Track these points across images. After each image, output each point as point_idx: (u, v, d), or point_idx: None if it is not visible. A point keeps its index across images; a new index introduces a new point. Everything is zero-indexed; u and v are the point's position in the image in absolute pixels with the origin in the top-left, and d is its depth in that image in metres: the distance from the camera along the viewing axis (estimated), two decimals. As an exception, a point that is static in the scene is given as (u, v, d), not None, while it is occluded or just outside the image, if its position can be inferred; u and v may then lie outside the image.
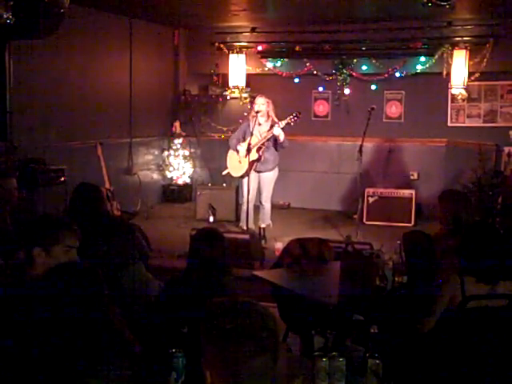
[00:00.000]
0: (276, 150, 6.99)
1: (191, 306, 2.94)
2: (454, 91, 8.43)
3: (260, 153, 6.88)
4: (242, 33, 9.30)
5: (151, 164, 9.54)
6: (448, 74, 8.31)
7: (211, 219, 8.15)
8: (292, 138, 7.46)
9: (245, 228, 6.91)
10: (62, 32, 6.09)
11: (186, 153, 9.67)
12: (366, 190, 8.35)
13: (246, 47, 9.26)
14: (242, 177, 7.06)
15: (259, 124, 6.96)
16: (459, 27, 8.32)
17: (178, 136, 9.59)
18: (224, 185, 8.42)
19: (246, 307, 1.64)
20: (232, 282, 3.31)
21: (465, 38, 8.26)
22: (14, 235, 4.50)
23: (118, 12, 8.16)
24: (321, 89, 9.31)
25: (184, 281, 3.25)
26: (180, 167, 9.64)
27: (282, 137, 6.81)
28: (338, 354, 2.59)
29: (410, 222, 8.14)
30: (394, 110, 9.11)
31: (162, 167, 9.71)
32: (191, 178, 9.77)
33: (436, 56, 8.40)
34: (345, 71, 8.90)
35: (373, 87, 8.91)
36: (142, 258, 3.75)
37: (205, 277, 3.16)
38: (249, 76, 9.34)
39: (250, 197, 7.00)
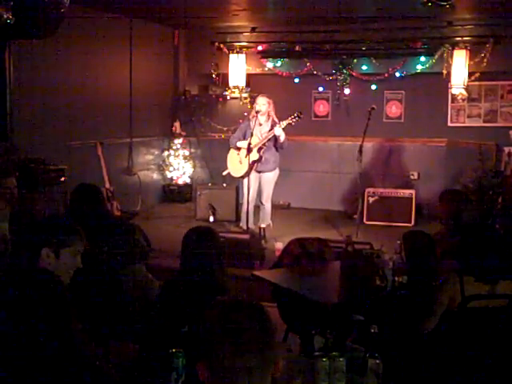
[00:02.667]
0: (276, 150, 6.99)
1: (186, 306, 2.95)
2: (454, 91, 8.43)
3: (261, 153, 6.87)
4: (242, 33, 9.30)
5: (151, 164, 9.54)
6: (448, 74, 8.31)
7: (211, 219, 8.15)
8: (292, 138, 7.47)
9: (245, 228, 6.90)
10: (62, 32, 6.07)
11: (186, 153, 9.67)
12: (366, 189, 8.35)
13: (246, 47, 9.26)
14: (243, 177, 7.05)
15: (260, 124, 6.95)
16: (459, 27, 8.31)
17: (178, 136, 9.59)
18: (224, 185, 8.42)
19: (246, 306, 1.64)
20: (227, 282, 3.30)
21: (465, 38, 8.25)
22: (14, 234, 4.51)
23: (118, 12, 8.15)
24: (321, 89, 9.31)
25: (178, 281, 3.24)
26: (180, 167, 9.64)
27: (282, 137, 6.81)
28: (338, 354, 2.59)
29: (410, 222, 8.14)
30: (394, 109, 9.11)
31: (162, 167, 9.71)
32: (191, 177, 9.77)
33: (436, 56, 8.39)
34: (345, 71, 8.90)
35: (373, 87, 8.91)
36: (142, 257, 3.75)
37: (198, 276, 3.15)
38: (249, 76, 9.34)
39: (250, 197, 7.00)
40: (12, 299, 1.92)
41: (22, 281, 1.99)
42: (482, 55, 8.09)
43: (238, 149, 7.04)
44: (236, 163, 7.08)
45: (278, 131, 6.75)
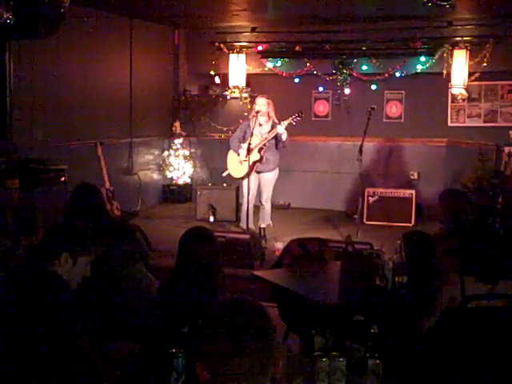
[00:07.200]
0: (276, 148, 6.97)
1: (183, 306, 2.95)
2: (454, 91, 8.43)
3: (262, 153, 6.87)
4: (242, 33, 9.30)
5: (151, 164, 9.54)
6: (448, 74, 8.31)
7: (211, 219, 8.15)
8: (292, 138, 7.46)
9: (245, 228, 6.90)
10: (62, 32, 6.08)
11: (186, 153, 9.67)
12: (366, 189, 8.35)
13: (246, 47, 9.26)
14: (243, 178, 7.04)
15: (260, 124, 6.95)
16: (459, 27, 8.31)
17: (178, 136, 9.59)
18: (224, 185, 8.42)
19: (246, 306, 1.64)
20: (223, 282, 3.29)
21: (465, 38, 8.25)
22: (16, 235, 4.51)
23: (118, 12, 8.15)
24: (321, 89, 9.31)
25: (173, 281, 3.24)
26: (180, 167, 9.64)
27: (284, 136, 6.81)
28: (338, 353, 2.59)
29: (410, 222, 8.14)
30: (394, 109, 9.11)
31: (162, 167, 9.71)
32: (191, 177, 9.77)
33: (436, 56, 8.39)
34: (345, 71, 8.90)
35: (373, 87, 8.90)
36: (142, 257, 3.74)
37: (193, 277, 3.14)
38: (249, 76, 9.34)
39: (250, 197, 7.00)
40: (18, 299, 1.93)
41: (30, 282, 2.00)
42: (482, 55, 8.09)
43: (239, 152, 7.03)
44: (236, 164, 7.08)
45: (281, 129, 6.75)
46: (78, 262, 2.81)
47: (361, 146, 7.28)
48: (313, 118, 9.41)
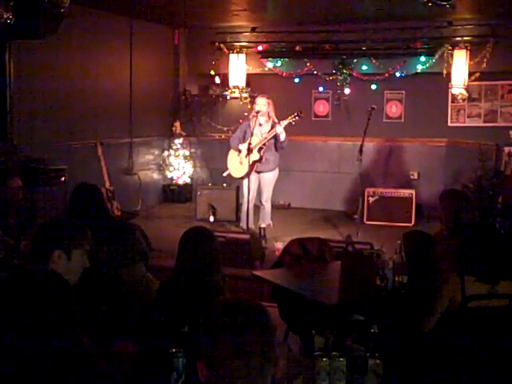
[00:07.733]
0: (276, 149, 6.99)
1: (183, 306, 2.95)
2: (454, 91, 8.43)
3: (261, 153, 6.87)
4: (242, 33, 9.30)
5: (151, 164, 9.54)
6: (448, 74, 8.31)
7: (211, 219, 8.15)
8: (292, 138, 7.46)
9: (245, 228, 6.90)
10: (62, 32, 6.08)
11: (187, 153, 9.67)
12: (366, 189, 8.35)
13: (246, 47, 9.26)
14: (243, 178, 7.04)
15: (260, 124, 6.95)
16: (459, 27, 8.31)
17: (178, 136, 9.59)
18: (224, 185, 8.42)
19: (246, 306, 1.64)
20: (222, 282, 3.30)
21: (465, 38, 8.25)
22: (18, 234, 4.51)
23: (119, 12, 8.16)
24: (321, 89, 9.31)
25: (173, 281, 3.24)
26: (180, 167, 9.64)
27: (282, 136, 6.81)
28: (338, 354, 2.59)
29: (410, 222, 8.14)
30: (394, 109, 9.11)
31: (162, 167, 9.71)
32: (191, 177, 9.77)
33: (436, 56, 8.39)
34: (345, 71, 8.90)
35: (373, 87, 8.90)
36: (142, 257, 3.75)
37: (193, 277, 3.15)
38: (249, 76, 9.34)
39: (250, 197, 7.00)
40: (18, 300, 1.92)
41: (28, 282, 1.99)
42: (482, 55, 8.09)
43: (239, 149, 7.05)
44: (236, 164, 7.08)
45: (280, 129, 6.75)
46: (73, 255, 2.77)
47: (361, 146, 7.28)
48: (313, 118, 9.41)
